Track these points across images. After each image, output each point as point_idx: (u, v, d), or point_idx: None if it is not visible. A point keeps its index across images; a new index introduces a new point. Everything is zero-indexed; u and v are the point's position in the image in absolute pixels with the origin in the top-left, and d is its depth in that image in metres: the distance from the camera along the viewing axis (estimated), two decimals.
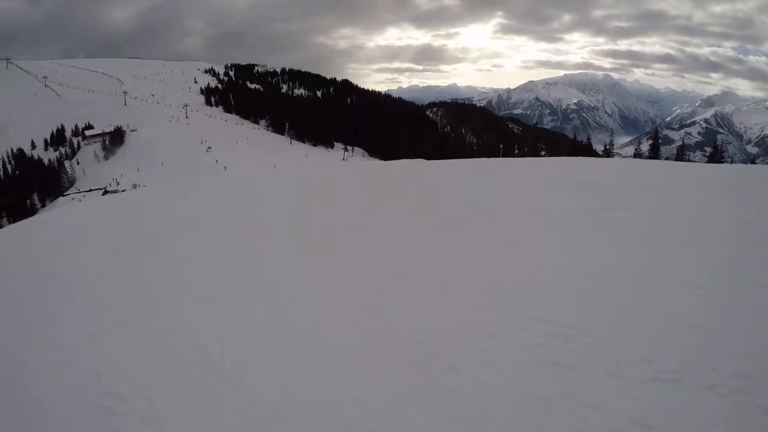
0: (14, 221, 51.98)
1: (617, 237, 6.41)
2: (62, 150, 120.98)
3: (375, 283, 5.65)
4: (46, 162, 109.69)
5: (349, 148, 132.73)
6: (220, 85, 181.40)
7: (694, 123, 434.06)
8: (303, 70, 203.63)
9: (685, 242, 5.99)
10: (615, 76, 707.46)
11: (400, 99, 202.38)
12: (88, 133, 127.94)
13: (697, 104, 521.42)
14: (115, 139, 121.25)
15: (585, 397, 3.31)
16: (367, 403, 3.48)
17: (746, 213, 7.16)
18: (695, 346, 3.72)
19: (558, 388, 3.43)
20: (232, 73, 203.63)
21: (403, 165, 19.52)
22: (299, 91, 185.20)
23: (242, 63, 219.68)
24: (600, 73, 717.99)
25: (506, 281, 5.28)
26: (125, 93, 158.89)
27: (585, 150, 59.63)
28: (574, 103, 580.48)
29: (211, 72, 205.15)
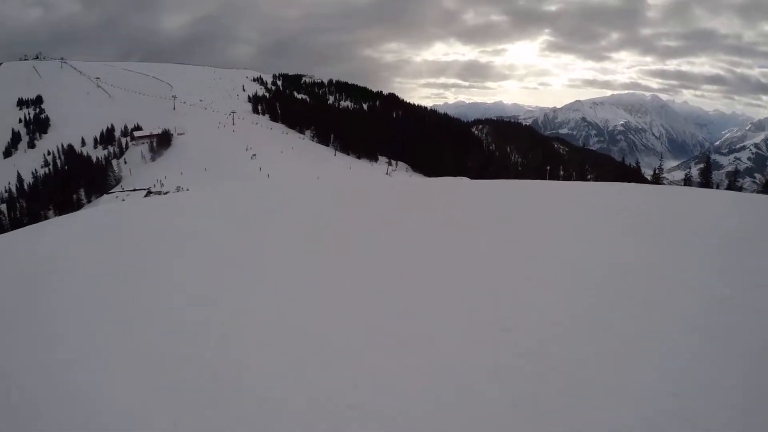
0: (60, 214, 52.88)
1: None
2: (111, 149, 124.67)
3: (379, 285, 5.71)
4: (94, 159, 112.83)
5: (393, 162, 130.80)
6: (267, 94, 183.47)
7: (744, 148, 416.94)
8: (350, 83, 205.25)
9: None
10: (663, 97, 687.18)
11: (445, 115, 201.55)
12: (136, 134, 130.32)
13: (747, 128, 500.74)
14: (163, 141, 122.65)
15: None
16: (368, 404, 3.42)
17: None
18: None
19: None
20: (279, 83, 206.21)
21: (445, 183, 19.80)
22: (345, 103, 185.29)
23: (290, 73, 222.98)
24: (648, 93, 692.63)
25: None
26: (174, 97, 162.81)
27: (633, 174, 57.28)
28: (621, 125, 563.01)
29: (259, 81, 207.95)
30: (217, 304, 5.40)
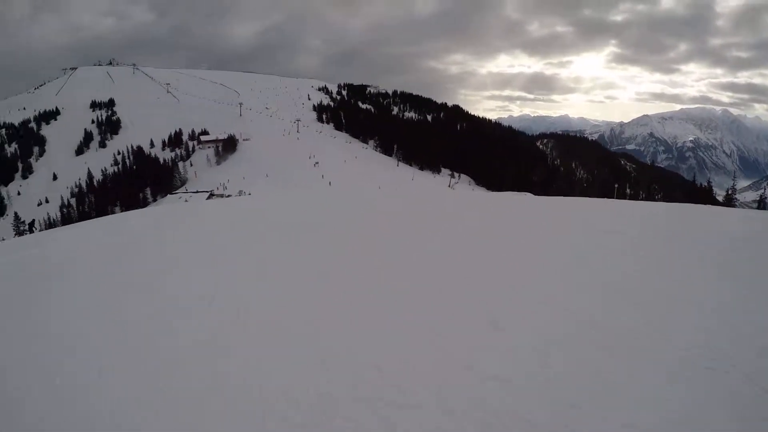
0: (125, 210, 53.59)
1: None
2: (178, 151, 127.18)
3: (391, 288, 5.89)
4: (161, 161, 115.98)
5: (456, 174, 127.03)
6: (332, 103, 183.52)
7: None
8: (414, 93, 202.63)
9: None
10: (734, 111, 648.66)
11: (510, 128, 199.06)
12: (203, 138, 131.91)
13: None
14: (228, 146, 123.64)
15: None
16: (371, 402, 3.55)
17: None
18: None
19: None
20: (344, 92, 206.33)
21: (507, 198, 20.21)
22: (409, 114, 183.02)
23: (355, 83, 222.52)
24: (718, 108, 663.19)
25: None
26: (241, 104, 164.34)
27: (705, 195, 53.98)
28: (690, 141, 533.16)
29: (325, 90, 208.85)
30: (214, 301, 5.55)
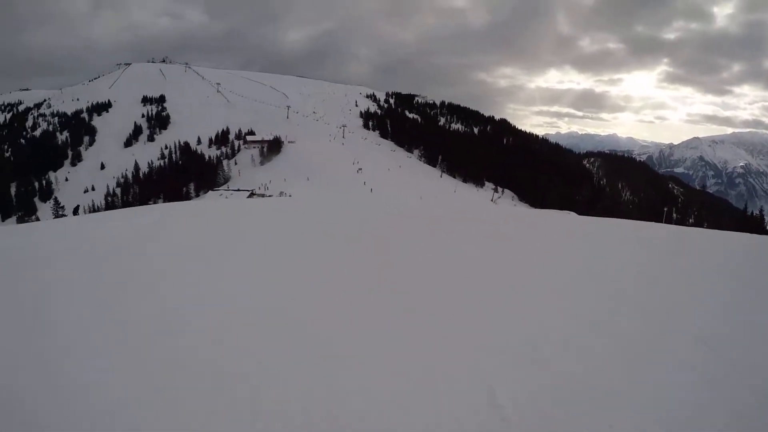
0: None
1: None
2: (223, 149, 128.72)
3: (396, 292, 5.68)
4: (207, 158, 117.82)
5: (499, 189, 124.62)
6: (379, 111, 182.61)
7: None
8: (462, 105, 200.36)
9: None
10: None
11: (557, 144, 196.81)
12: (249, 138, 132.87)
13: None
14: (273, 147, 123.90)
15: None
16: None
17: None
18: None
19: None
20: (392, 101, 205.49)
21: (550, 216, 19.22)
22: (456, 126, 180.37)
23: (403, 92, 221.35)
24: None
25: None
26: (289, 107, 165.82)
27: (755, 224, 52.47)
28: (741, 166, 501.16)
29: (372, 97, 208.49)
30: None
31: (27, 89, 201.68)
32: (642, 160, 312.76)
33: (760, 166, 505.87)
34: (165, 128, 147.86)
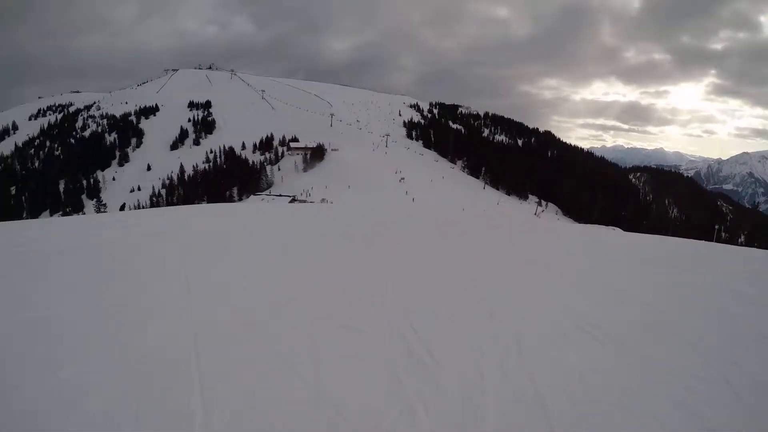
0: None
1: None
2: (267, 155, 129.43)
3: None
4: (251, 163, 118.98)
5: (543, 202, 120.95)
6: (422, 121, 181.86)
7: None
8: (505, 116, 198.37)
9: None
10: None
11: (602, 158, 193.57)
12: (293, 144, 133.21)
13: None
14: (316, 154, 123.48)
15: None
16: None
17: None
18: None
19: None
20: (435, 111, 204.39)
21: (594, 232, 18.62)
22: (500, 137, 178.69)
23: (446, 102, 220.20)
24: None
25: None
26: (332, 115, 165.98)
27: None
28: None
29: (416, 107, 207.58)
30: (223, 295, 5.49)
31: (77, 91, 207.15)
32: (689, 175, 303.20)
33: None
34: (210, 133, 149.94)
